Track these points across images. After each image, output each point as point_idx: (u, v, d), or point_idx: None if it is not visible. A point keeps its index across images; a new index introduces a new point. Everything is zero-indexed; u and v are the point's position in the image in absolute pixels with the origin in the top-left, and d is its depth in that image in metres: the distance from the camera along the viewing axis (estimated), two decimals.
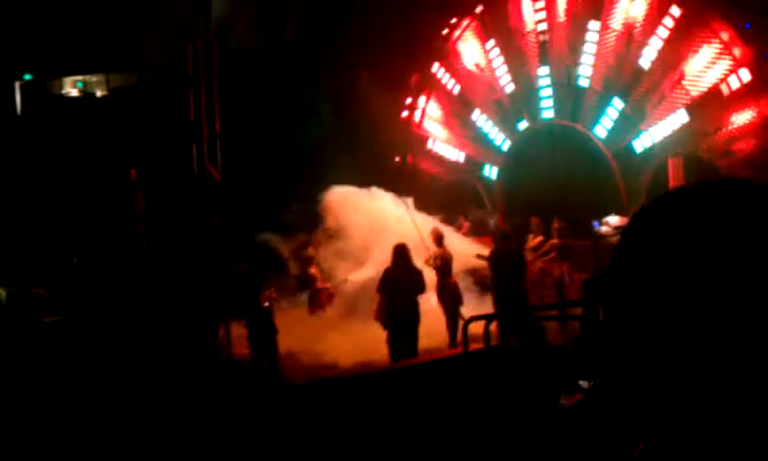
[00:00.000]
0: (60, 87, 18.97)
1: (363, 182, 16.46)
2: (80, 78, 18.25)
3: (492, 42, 19.51)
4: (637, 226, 1.08)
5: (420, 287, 11.19)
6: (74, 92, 18.88)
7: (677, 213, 1.03)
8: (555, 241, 14.42)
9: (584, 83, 17.79)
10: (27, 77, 17.76)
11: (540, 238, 15.07)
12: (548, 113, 18.74)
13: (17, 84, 17.93)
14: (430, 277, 13.11)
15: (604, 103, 17.42)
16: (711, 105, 15.57)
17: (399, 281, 11.06)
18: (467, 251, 14.35)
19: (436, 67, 20.52)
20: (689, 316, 0.97)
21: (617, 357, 1.07)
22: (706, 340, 0.96)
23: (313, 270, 14.65)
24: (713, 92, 15.53)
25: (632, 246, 1.07)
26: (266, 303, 11.33)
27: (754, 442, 0.93)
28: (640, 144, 16.86)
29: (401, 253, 11.17)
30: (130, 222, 16.42)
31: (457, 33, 20.22)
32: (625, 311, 1.06)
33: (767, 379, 0.92)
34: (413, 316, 11.08)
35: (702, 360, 0.97)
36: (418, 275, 11.20)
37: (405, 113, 21.07)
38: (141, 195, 16.68)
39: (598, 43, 17.51)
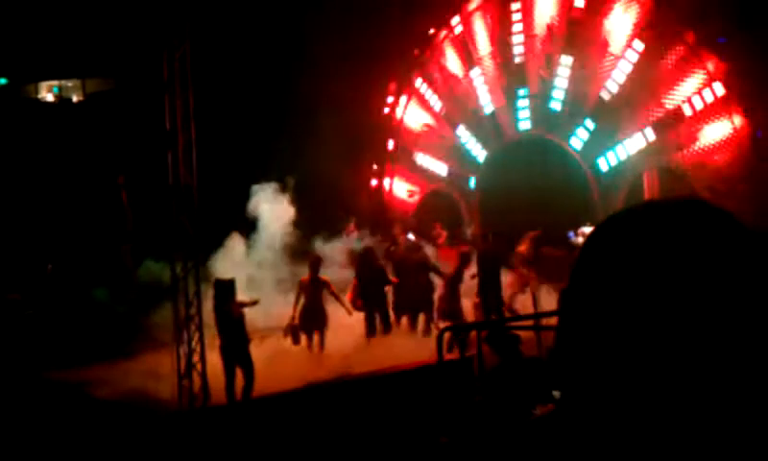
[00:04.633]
0: (36, 92, 18.81)
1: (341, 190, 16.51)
2: (56, 83, 18.09)
3: (469, 54, 19.60)
4: (590, 244, 1.10)
5: (384, 280, 14.05)
6: (50, 97, 18.73)
7: (624, 235, 1.04)
8: (522, 249, 14.56)
9: (559, 95, 17.88)
10: (2, 81, 17.61)
11: (524, 247, 15.12)
12: (525, 125, 18.82)
13: None
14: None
15: (579, 115, 17.51)
16: (686, 118, 15.70)
17: (367, 275, 13.95)
18: None
19: (414, 77, 20.58)
20: (632, 342, 0.98)
21: (572, 372, 1.08)
22: (650, 363, 0.97)
23: None
24: (688, 106, 15.66)
25: (584, 264, 1.08)
26: (242, 309, 11.31)
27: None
28: (615, 157, 16.95)
29: (368, 254, 14.29)
30: (107, 229, 16.31)
31: (435, 44, 20.30)
32: (577, 327, 1.07)
33: (716, 400, 0.93)
34: (381, 299, 13.99)
35: (648, 383, 0.97)
36: (381, 272, 14.14)
37: (384, 116, 21.09)
38: (126, 202, 16.56)
39: (574, 56, 17.61)
